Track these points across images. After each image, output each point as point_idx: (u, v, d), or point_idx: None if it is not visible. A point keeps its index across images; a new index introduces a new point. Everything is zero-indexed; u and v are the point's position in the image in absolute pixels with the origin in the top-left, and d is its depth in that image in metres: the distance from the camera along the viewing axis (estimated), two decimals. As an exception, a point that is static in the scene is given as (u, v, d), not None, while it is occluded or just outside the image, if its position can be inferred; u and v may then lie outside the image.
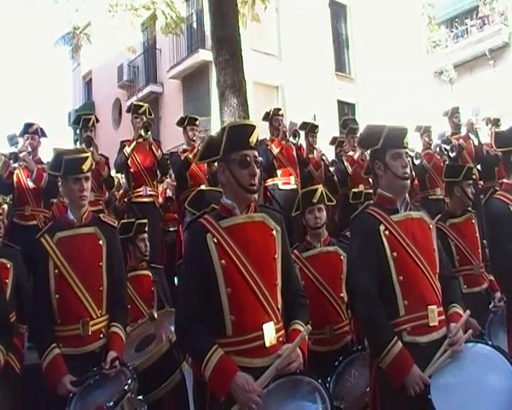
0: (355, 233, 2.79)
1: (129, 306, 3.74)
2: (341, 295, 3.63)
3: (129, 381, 2.78)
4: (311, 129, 7.45)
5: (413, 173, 6.77)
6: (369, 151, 2.89)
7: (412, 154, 6.96)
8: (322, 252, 3.72)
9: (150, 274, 4.49)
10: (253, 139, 2.37)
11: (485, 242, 3.96)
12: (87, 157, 3.15)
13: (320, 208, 3.77)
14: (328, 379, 3.22)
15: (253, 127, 2.40)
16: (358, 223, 2.76)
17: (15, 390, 3.14)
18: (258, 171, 2.38)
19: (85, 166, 3.09)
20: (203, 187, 6.01)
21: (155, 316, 3.91)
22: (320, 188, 3.87)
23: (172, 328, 3.36)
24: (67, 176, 3.07)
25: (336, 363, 3.37)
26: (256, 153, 2.40)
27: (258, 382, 2.21)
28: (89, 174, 3.14)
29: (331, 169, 7.20)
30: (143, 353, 3.55)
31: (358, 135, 2.93)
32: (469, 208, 4.30)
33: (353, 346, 3.58)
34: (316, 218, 3.73)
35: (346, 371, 3.36)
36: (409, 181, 2.70)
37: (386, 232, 2.61)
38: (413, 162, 6.94)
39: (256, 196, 2.44)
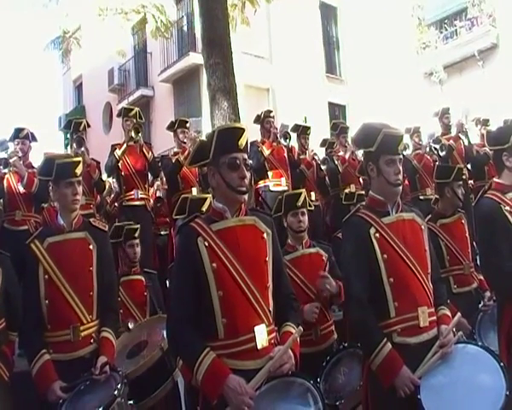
0: (347, 237, 2.79)
1: (121, 311, 3.72)
2: (325, 295, 3.65)
3: (119, 386, 2.76)
4: (302, 131, 7.47)
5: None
6: (362, 151, 2.89)
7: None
8: (305, 254, 3.74)
9: (143, 279, 4.49)
10: (242, 142, 2.36)
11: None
12: (79, 161, 3.13)
13: (303, 212, 3.79)
14: (318, 380, 3.25)
15: (242, 130, 2.39)
16: (350, 227, 2.76)
17: (4, 398, 3.10)
18: (248, 173, 2.38)
19: (78, 170, 3.07)
20: (194, 190, 6.02)
21: (130, 327, 3.85)
22: (304, 192, 3.90)
23: (165, 334, 3.34)
24: (60, 180, 3.03)
25: (324, 363, 3.40)
26: (246, 156, 2.40)
27: (250, 384, 2.21)
28: (81, 178, 3.12)
29: (323, 168, 7.23)
30: (135, 360, 3.52)
31: (354, 132, 2.91)
32: (459, 209, 4.33)
33: (339, 345, 3.63)
34: (299, 222, 3.74)
35: (334, 370, 3.39)
36: (400, 187, 2.70)
37: (377, 235, 2.61)
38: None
39: (246, 196, 2.44)
